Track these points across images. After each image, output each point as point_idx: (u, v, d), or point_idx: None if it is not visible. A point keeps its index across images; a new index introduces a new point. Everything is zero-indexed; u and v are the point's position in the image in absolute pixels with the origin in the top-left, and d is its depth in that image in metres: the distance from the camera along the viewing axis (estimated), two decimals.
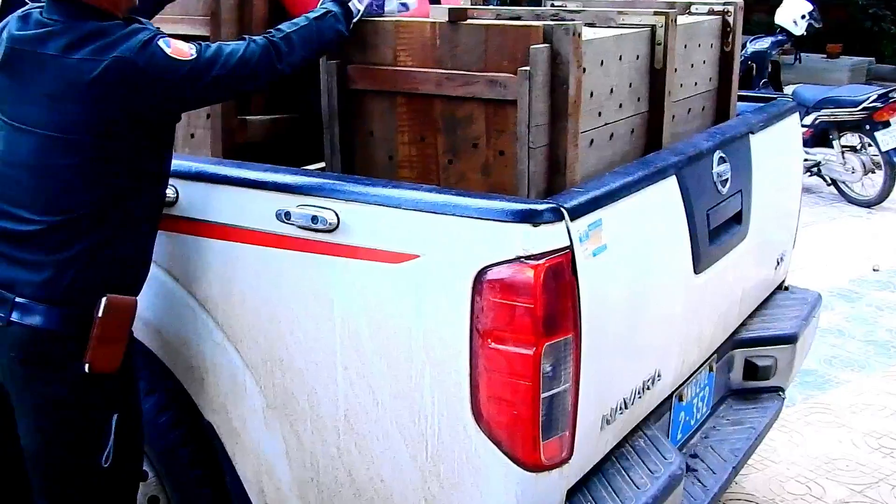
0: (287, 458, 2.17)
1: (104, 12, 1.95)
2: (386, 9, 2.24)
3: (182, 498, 2.35)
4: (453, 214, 1.88)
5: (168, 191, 2.13)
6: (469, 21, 2.13)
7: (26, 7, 2.04)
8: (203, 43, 2.00)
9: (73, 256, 1.93)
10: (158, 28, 2.02)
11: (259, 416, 2.18)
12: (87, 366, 1.95)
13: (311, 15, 2.09)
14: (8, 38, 1.99)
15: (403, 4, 2.30)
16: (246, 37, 2.04)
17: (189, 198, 2.16)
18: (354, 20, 2.16)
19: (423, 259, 1.90)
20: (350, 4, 2.14)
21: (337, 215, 1.96)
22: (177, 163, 2.13)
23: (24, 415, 2.04)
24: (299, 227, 2.00)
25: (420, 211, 1.91)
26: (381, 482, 2.06)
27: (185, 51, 1.92)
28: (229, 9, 2.41)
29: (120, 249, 2.00)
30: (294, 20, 2.09)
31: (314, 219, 1.97)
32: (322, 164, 2.41)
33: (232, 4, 2.41)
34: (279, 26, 2.08)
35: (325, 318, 2.03)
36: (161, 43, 1.91)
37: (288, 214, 2.01)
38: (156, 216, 2.09)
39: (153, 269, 2.16)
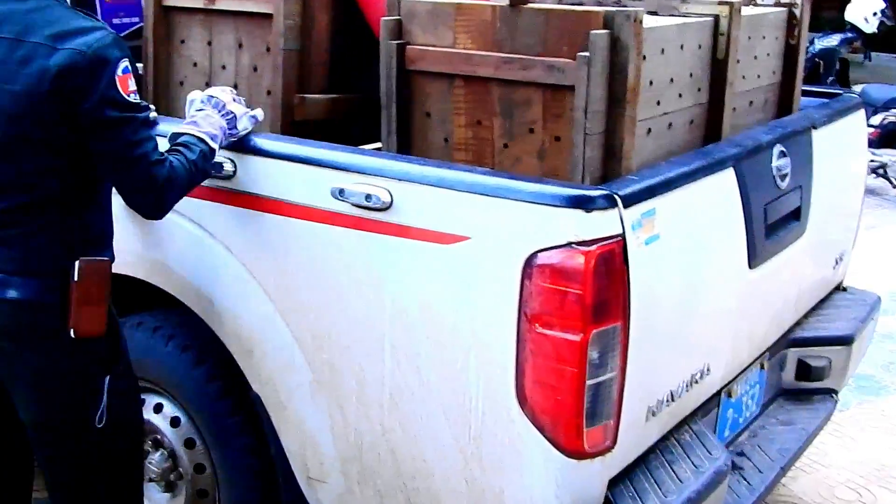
0: (331, 433, 2.19)
1: None
2: (239, 127, 2.16)
3: (228, 467, 2.39)
4: (505, 197, 1.88)
5: (226, 165, 2.17)
6: (529, 5, 2.12)
7: None
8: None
9: (41, 226, 1.97)
10: None
11: (306, 390, 2.20)
12: (72, 331, 1.98)
13: (193, 157, 2.02)
14: None
15: (253, 117, 2.21)
16: (165, 156, 1.99)
17: (246, 172, 2.18)
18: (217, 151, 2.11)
19: (473, 241, 1.90)
20: (211, 141, 2.08)
21: (390, 194, 1.97)
22: None
23: (19, 388, 2.09)
24: (353, 204, 2.02)
25: (472, 193, 1.91)
26: (423, 462, 2.07)
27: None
28: None
29: (86, 217, 2.04)
30: (185, 158, 2.01)
31: (368, 197, 1.99)
32: (378, 145, 2.42)
33: None
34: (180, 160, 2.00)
35: (375, 296, 2.04)
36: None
37: (342, 192, 2.02)
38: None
39: (209, 239, 2.19)
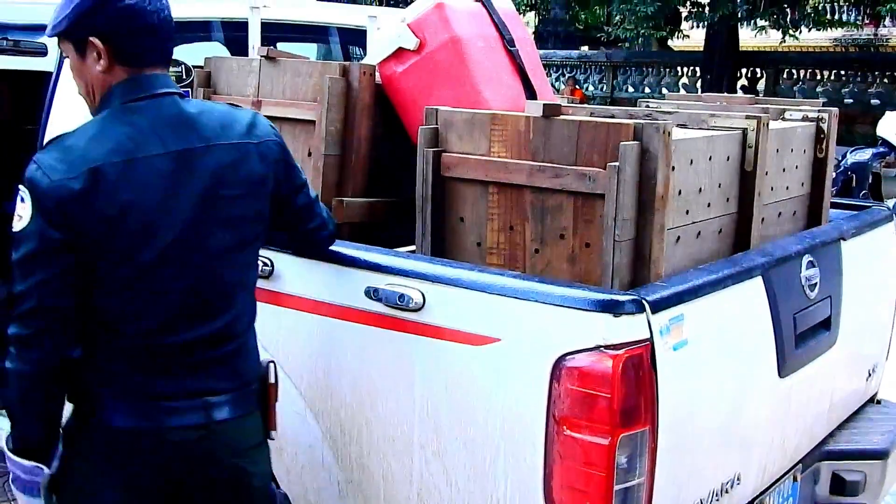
0: None
1: None
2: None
3: None
4: (535, 301, 1.90)
5: (265, 265, 2.23)
6: (562, 116, 2.19)
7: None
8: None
9: (248, 334, 1.99)
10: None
11: (335, 490, 2.20)
12: (272, 433, 2.05)
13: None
14: None
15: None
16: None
17: (282, 271, 2.24)
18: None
19: (503, 343, 1.93)
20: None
21: (423, 295, 2.01)
22: None
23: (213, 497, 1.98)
24: (386, 304, 2.05)
25: (503, 296, 1.94)
26: None
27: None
28: (336, 94, 2.52)
29: None
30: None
31: (401, 297, 2.03)
32: (412, 247, 2.47)
33: (338, 91, 2.52)
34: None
35: (406, 394, 2.06)
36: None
37: (376, 292, 2.07)
38: None
39: None
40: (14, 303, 1.79)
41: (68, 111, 2.63)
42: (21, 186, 1.77)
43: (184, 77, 2.95)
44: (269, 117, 2.64)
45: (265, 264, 2.22)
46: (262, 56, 2.76)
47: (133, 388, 1.87)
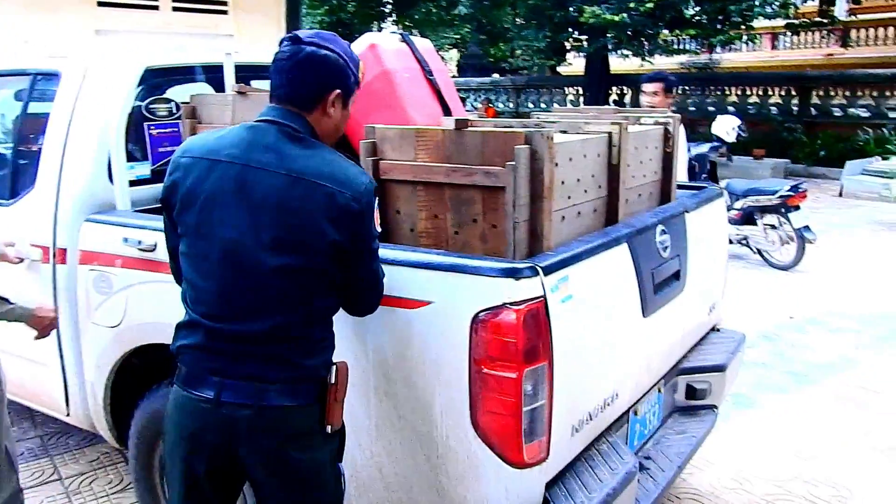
0: None
1: None
2: None
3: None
4: (457, 272, 1.87)
5: None
6: (470, 128, 2.15)
7: None
8: None
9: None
10: None
11: None
12: (329, 427, 1.78)
13: None
14: None
15: None
16: None
17: None
18: None
19: (434, 305, 1.90)
20: None
21: None
22: None
23: (273, 483, 1.77)
24: None
25: (432, 269, 1.91)
26: (403, 477, 2.02)
27: None
28: None
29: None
30: None
31: None
32: None
33: None
34: None
35: (361, 350, 2.01)
36: None
37: None
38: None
39: None
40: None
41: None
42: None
43: (173, 111, 2.84)
44: None
45: None
46: (235, 91, 2.67)
47: (195, 359, 1.74)
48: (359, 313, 1.90)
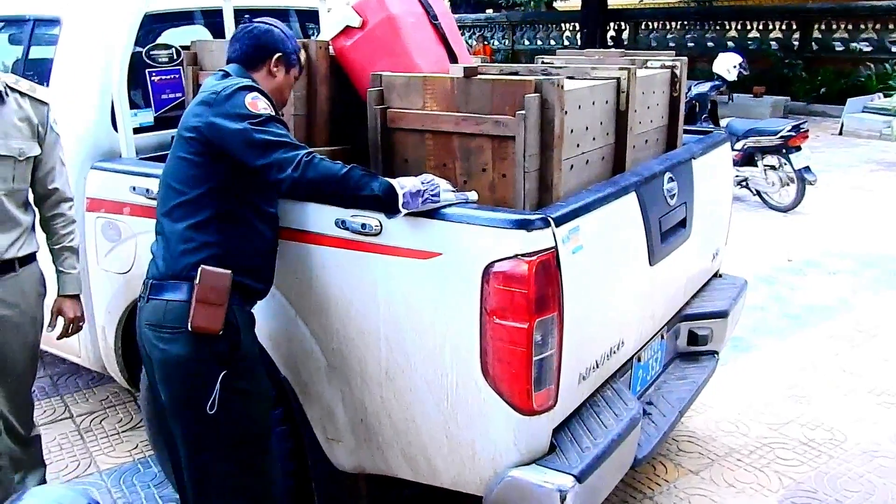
0: (342, 404, 2.19)
1: None
2: (441, 197, 1.91)
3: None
4: (467, 223, 1.88)
5: None
6: (479, 76, 2.13)
7: None
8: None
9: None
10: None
11: (322, 373, 2.20)
12: (189, 325, 1.93)
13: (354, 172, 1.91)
14: None
15: (464, 195, 1.94)
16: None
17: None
18: (402, 201, 1.89)
19: (444, 256, 1.91)
20: (396, 185, 1.90)
21: (381, 223, 1.97)
22: None
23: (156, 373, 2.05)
24: (352, 231, 2.02)
25: (443, 220, 1.92)
26: (413, 423, 2.08)
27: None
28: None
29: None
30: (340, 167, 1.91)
31: (363, 225, 1.99)
32: None
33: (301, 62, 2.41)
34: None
35: (372, 300, 2.04)
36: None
37: (344, 222, 2.02)
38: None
39: None
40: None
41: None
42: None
43: (174, 57, 2.79)
44: None
45: None
46: None
47: None
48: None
